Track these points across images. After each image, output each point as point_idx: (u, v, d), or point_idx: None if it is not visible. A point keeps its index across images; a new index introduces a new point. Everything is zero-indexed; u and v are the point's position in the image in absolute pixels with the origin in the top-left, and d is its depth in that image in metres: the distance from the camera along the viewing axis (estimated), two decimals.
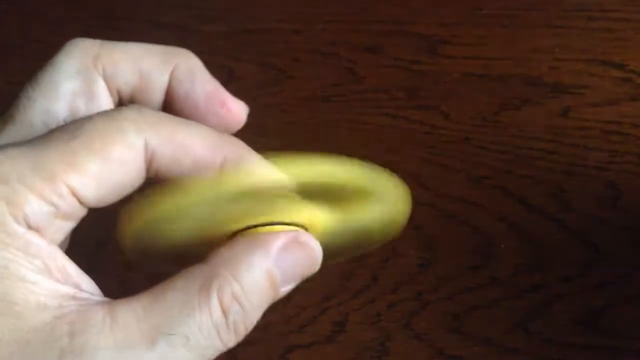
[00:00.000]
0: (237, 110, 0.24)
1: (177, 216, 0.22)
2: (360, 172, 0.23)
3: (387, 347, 0.35)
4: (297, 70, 0.45)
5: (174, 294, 0.20)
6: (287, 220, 0.23)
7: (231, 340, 0.21)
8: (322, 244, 0.23)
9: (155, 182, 0.22)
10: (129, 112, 0.21)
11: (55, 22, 0.51)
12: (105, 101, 0.24)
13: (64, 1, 0.53)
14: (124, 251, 0.23)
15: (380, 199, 0.23)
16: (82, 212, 0.21)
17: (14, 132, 0.23)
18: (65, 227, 0.21)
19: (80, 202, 0.21)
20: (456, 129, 0.41)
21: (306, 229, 0.24)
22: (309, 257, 0.23)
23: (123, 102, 0.25)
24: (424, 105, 0.42)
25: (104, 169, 0.20)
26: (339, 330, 0.35)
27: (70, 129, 0.21)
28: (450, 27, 0.44)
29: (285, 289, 0.23)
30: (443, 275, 0.37)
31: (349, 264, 0.37)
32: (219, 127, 0.24)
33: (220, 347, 0.21)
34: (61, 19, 0.52)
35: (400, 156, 0.40)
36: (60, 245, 0.22)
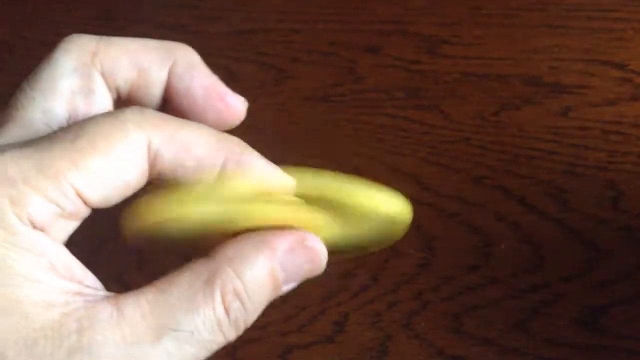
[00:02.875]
0: (236, 105, 0.24)
1: (181, 218, 0.22)
2: (361, 189, 0.23)
3: (387, 347, 0.35)
4: (296, 70, 0.45)
5: (179, 289, 0.21)
6: (290, 223, 0.23)
7: (232, 335, 0.22)
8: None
9: (158, 182, 0.22)
10: (131, 113, 0.21)
11: (55, 22, 0.51)
12: (104, 97, 0.24)
13: (64, 1, 0.53)
14: (127, 239, 0.23)
15: (381, 215, 0.24)
16: (86, 211, 0.21)
17: (13, 131, 0.23)
18: (69, 227, 0.21)
19: (85, 202, 0.21)
20: (456, 129, 0.41)
21: None
22: (314, 260, 0.23)
23: (121, 98, 0.25)
24: (423, 105, 0.42)
25: (108, 169, 0.21)
26: (338, 330, 0.35)
27: (73, 129, 0.21)
28: (450, 27, 0.44)
29: (287, 287, 0.23)
30: (443, 275, 0.37)
31: (349, 264, 0.37)
32: (218, 122, 0.24)
33: (222, 341, 0.21)
34: (61, 19, 0.52)
35: (400, 156, 0.40)
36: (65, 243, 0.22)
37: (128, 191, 0.22)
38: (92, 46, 0.24)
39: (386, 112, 0.42)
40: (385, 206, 0.23)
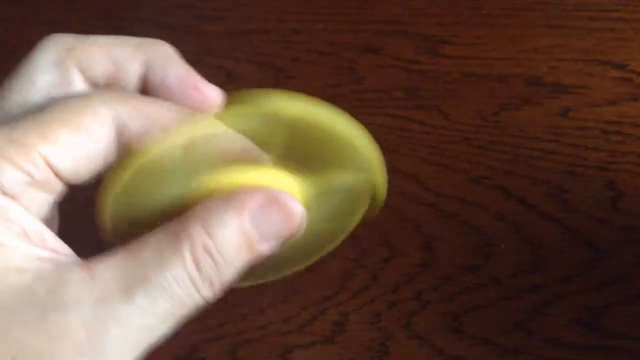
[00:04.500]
0: (211, 94, 0.25)
1: (150, 175, 0.22)
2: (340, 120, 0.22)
3: (387, 347, 0.35)
4: (296, 70, 0.45)
5: (149, 247, 0.21)
6: (264, 184, 0.22)
7: (207, 292, 0.21)
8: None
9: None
10: (98, 92, 0.23)
11: (55, 23, 0.51)
12: (81, 90, 0.25)
13: (64, 1, 0.53)
14: (105, 230, 0.23)
15: (357, 161, 0.23)
16: (58, 184, 0.22)
17: None
18: (41, 199, 0.22)
19: (55, 173, 0.21)
20: (456, 129, 0.41)
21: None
22: (288, 217, 0.22)
23: None
24: (424, 105, 0.42)
25: (76, 140, 0.21)
26: (338, 330, 0.35)
27: (44, 107, 0.22)
28: (450, 27, 0.44)
29: (265, 247, 0.22)
30: (443, 275, 0.37)
31: (349, 264, 0.37)
32: (194, 110, 0.24)
33: (197, 298, 0.21)
34: (61, 19, 0.52)
35: (400, 156, 0.40)
36: (47, 223, 0.22)
37: (97, 163, 0.22)
38: (69, 43, 0.24)
39: (386, 112, 0.42)
40: (361, 142, 0.22)
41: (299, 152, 0.23)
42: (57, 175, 0.21)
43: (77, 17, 0.52)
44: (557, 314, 0.35)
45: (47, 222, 0.22)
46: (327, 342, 0.35)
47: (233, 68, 0.46)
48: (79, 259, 0.21)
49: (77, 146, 0.21)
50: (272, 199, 0.22)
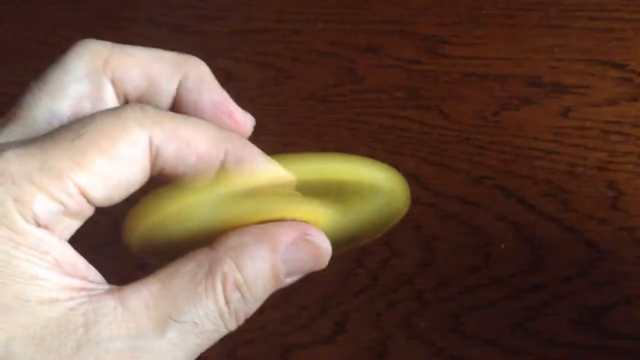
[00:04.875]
0: (244, 122, 0.25)
1: (183, 216, 0.22)
2: (359, 167, 0.23)
3: (387, 347, 0.35)
4: (296, 70, 0.45)
5: (181, 280, 0.21)
6: (291, 216, 0.23)
7: (233, 325, 0.22)
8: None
9: (160, 179, 0.22)
10: (132, 110, 0.21)
11: (55, 22, 0.51)
12: (112, 105, 0.24)
13: (64, 1, 0.53)
14: (130, 246, 0.23)
15: (379, 192, 0.23)
16: (90, 210, 0.21)
17: (17, 130, 0.23)
18: (73, 225, 0.21)
19: (89, 200, 0.21)
20: (456, 129, 0.41)
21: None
22: (317, 254, 0.23)
23: None
24: (424, 105, 0.42)
25: (111, 167, 0.21)
26: (339, 330, 0.35)
27: (75, 127, 0.21)
28: (450, 27, 0.44)
29: (289, 280, 0.23)
30: (443, 275, 0.37)
31: (349, 264, 0.37)
32: None
33: (223, 331, 0.21)
34: (61, 19, 0.52)
35: (400, 156, 0.40)
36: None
37: (130, 189, 0.22)
38: (104, 53, 0.24)
39: (386, 112, 0.42)
40: (386, 181, 0.23)
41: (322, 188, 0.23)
42: (90, 202, 0.21)
43: (78, 17, 0.52)
44: (557, 314, 0.35)
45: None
46: (327, 342, 0.35)
47: (233, 68, 0.46)
48: (110, 286, 0.21)
49: (112, 174, 0.21)
50: (303, 235, 0.22)
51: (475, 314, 0.36)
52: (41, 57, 0.50)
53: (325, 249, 0.23)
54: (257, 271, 0.21)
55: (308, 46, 0.46)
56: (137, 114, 0.21)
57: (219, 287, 0.21)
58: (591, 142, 0.39)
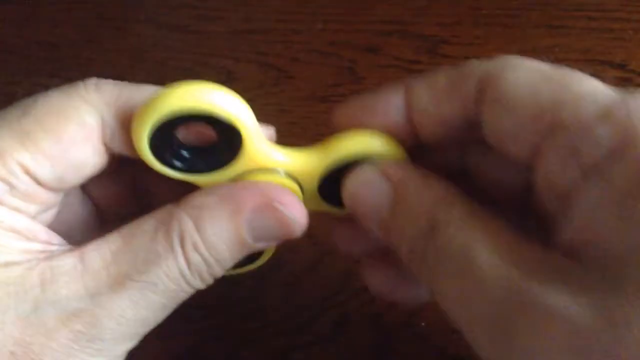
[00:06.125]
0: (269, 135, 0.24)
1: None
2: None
3: (387, 347, 0.35)
4: (296, 70, 0.45)
5: (141, 238, 0.20)
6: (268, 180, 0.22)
7: (198, 284, 0.21)
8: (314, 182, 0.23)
9: (122, 158, 0.22)
10: (84, 88, 0.21)
11: (55, 22, 0.51)
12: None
13: (64, 1, 0.53)
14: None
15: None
16: (45, 194, 0.21)
17: None
18: (30, 208, 0.21)
19: (37, 181, 0.21)
20: None
21: (299, 184, 0.23)
22: (284, 223, 0.21)
23: None
24: None
25: (57, 147, 0.20)
26: (338, 330, 0.35)
27: (23, 105, 0.21)
28: (450, 27, 0.44)
29: (260, 245, 0.22)
30: None
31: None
32: None
33: (189, 290, 0.21)
34: (61, 19, 0.52)
35: None
36: (59, 219, 0.22)
37: (86, 170, 0.21)
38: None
39: None
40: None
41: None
42: (38, 183, 0.21)
43: (77, 17, 0.52)
44: None
45: (61, 218, 0.22)
46: (327, 342, 0.35)
47: (233, 68, 0.46)
48: (71, 246, 0.21)
49: (59, 154, 0.20)
50: (270, 202, 0.21)
51: None
52: (41, 57, 0.50)
53: (295, 218, 0.21)
54: (216, 233, 0.20)
55: (308, 46, 0.46)
56: (90, 93, 0.21)
57: (178, 248, 0.20)
58: None
